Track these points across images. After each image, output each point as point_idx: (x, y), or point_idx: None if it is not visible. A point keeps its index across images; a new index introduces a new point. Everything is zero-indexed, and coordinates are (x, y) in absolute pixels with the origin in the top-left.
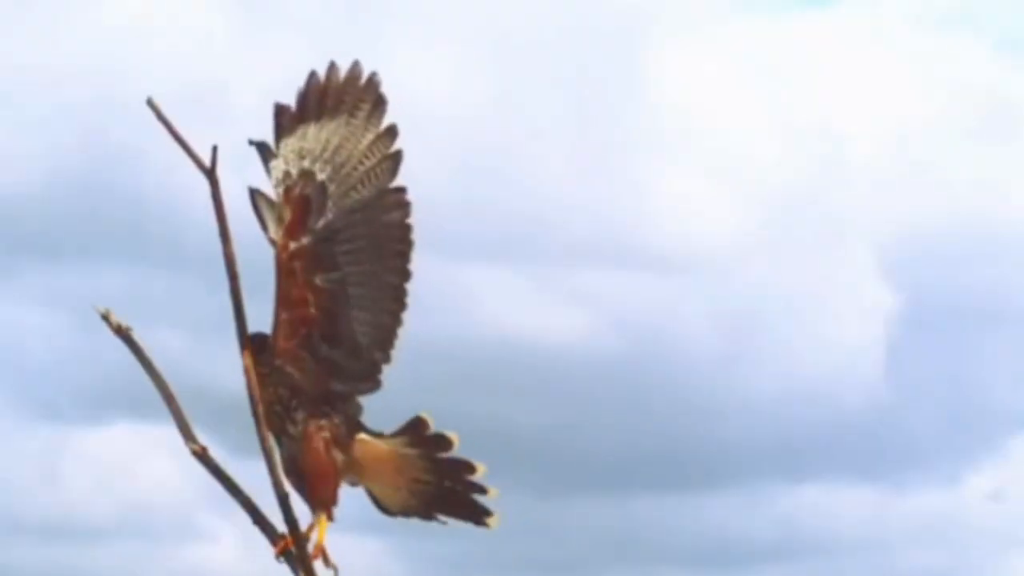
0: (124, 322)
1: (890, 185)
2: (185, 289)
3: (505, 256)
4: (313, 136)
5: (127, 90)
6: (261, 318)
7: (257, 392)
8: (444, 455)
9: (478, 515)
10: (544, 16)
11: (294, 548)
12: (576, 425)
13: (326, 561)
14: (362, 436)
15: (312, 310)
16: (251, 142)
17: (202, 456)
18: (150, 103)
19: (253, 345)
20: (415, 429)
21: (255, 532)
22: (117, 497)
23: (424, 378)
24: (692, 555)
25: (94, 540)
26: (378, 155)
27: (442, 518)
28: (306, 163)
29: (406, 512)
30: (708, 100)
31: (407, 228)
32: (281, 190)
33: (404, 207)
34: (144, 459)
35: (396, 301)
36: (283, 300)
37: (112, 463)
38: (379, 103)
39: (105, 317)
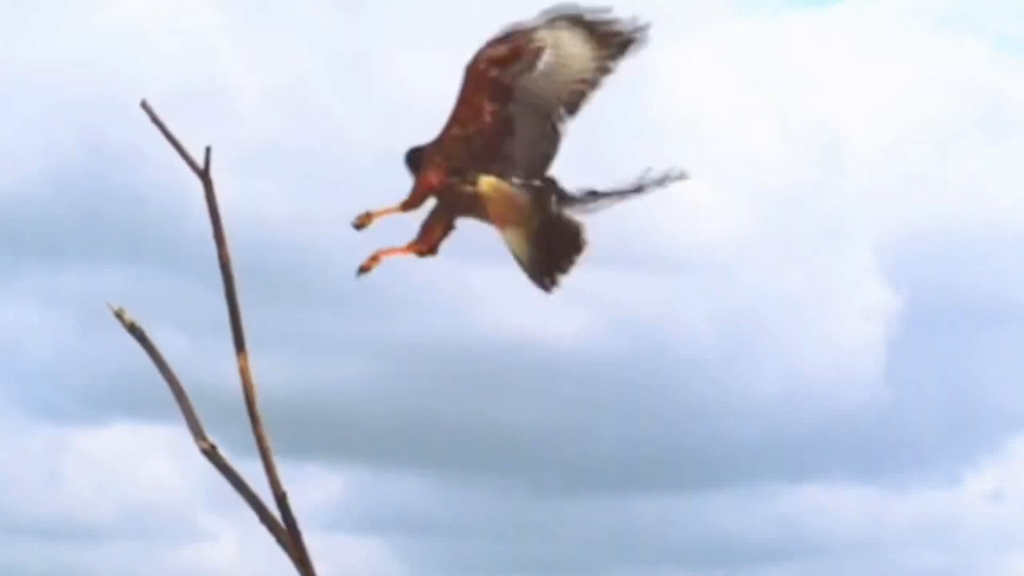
0: (136, 320)
1: (890, 185)
2: (185, 289)
3: (505, 256)
4: (566, 36)
5: (126, 90)
6: (258, 319)
7: (253, 392)
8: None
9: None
10: None
11: (294, 547)
12: (576, 425)
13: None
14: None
15: (488, 119)
16: None
17: (211, 454)
18: (144, 105)
19: (414, 158)
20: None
21: (255, 532)
22: (117, 497)
23: (424, 378)
24: (692, 555)
25: (94, 540)
26: (592, 71)
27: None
28: (548, 39)
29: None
30: (708, 100)
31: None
32: (520, 32)
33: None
34: (144, 459)
35: (543, 169)
36: (463, 103)
37: (112, 463)
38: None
39: (119, 315)
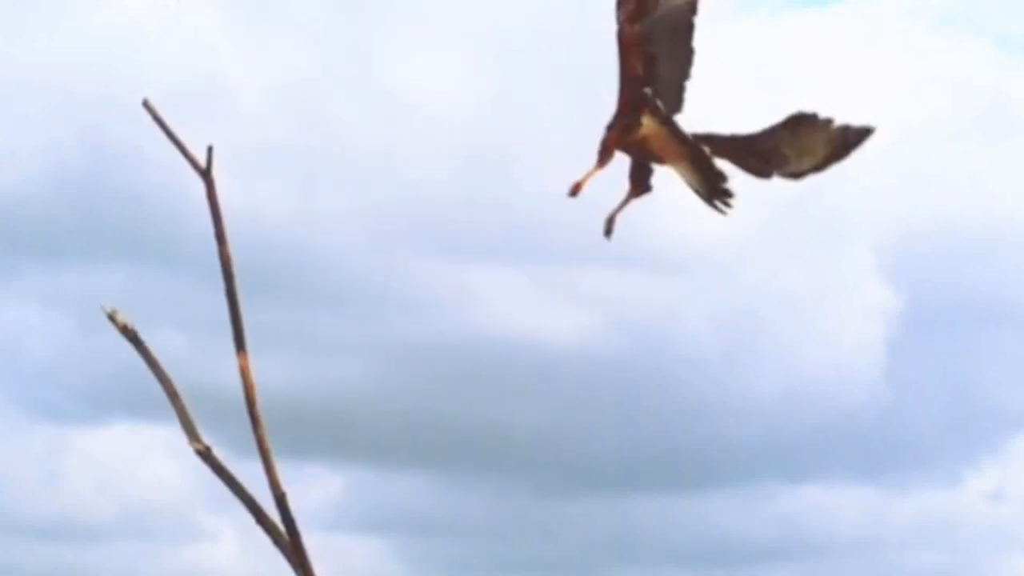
0: (130, 322)
1: (890, 185)
2: (185, 289)
3: (505, 256)
4: None
5: (126, 90)
6: (258, 319)
7: (253, 392)
8: None
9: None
10: (545, 16)
11: (293, 548)
12: (576, 425)
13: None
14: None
15: (640, 72)
16: None
17: (206, 455)
18: (146, 104)
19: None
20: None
21: (255, 532)
22: (117, 497)
23: (424, 378)
24: (692, 555)
25: (94, 540)
26: None
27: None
28: None
29: None
30: (708, 100)
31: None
32: None
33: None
34: (144, 459)
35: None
36: (623, 66)
37: (112, 463)
38: None
39: (111, 317)
